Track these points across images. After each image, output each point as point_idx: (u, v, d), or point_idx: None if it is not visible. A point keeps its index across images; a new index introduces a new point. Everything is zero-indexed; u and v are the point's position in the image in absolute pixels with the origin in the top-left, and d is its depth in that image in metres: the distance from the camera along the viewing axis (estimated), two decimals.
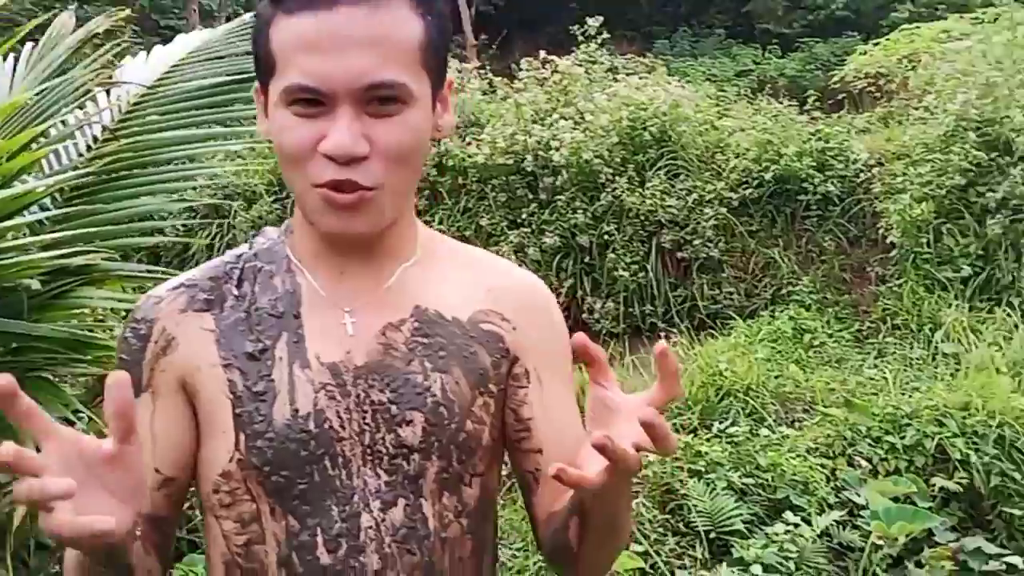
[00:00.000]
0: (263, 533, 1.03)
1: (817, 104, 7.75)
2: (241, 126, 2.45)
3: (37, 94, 1.80)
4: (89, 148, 2.00)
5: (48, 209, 1.84)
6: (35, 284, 1.76)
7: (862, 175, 6.56)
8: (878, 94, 9.21)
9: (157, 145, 2.02)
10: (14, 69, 2.01)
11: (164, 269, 2.25)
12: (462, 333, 1.08)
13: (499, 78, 7.87)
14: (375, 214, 1.01)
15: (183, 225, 6.97)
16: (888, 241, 6.16)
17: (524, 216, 6.87)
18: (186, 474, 1.07)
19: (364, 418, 1.03)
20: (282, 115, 0.99)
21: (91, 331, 1.92)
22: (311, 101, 0.97)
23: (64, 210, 1.86)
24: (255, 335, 1.05)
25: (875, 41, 9.98)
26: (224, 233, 7.19)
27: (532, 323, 1.13)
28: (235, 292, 1.08)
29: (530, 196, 6.93)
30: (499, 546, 1.16)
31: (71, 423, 1.95)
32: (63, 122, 1.93)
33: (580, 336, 0.91)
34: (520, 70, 7.67)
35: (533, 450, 1.10)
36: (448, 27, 1.05)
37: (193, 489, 1.12)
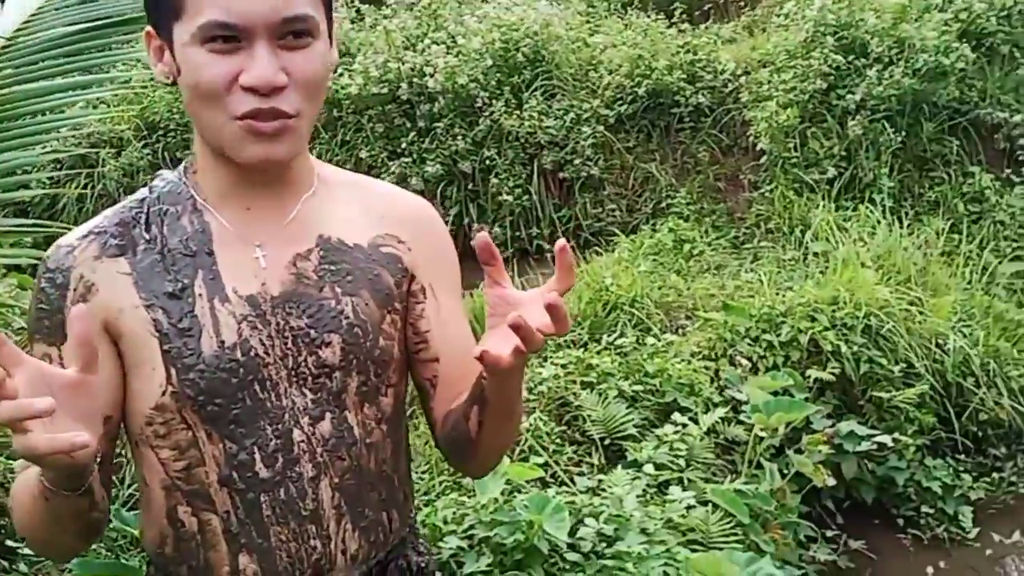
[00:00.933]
0: (202, 456, 1.10)
1: (684, 16, 7.87)
2: (105, 73, 2.39)
3: None
4: None
5: None
6: None
7: (731, 85, 6.72)
8: (742, 3, 9.40)
9: (23, 97, 1.96)
10: None
11: (35, 222, 2.20)
12: (365, 258, 1.16)
13: (367, 5, 7.73)
14: (294, 141, 1.07)
15: (49, 178, 6.70)
16: (758, 148, 6.37)
17: (404, 145, 6.84)
18: (118, 412, 1.13)
19: (286, 343, 1.11)
20: (195, 53, 1.03)
21: None
22: (227, 38, 1.02)
23: None
24: (172, 275, 1.09)
25: None
26: (94, 183, 6.95)
27: (424, 243, 1.21)
28: (145, 236, 1.11)
29: (408, 125, 6.90)
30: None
31: None
32: None
33: (484, 237, 0.99)
34: None
35: (430, 359, 1.21)
36: None
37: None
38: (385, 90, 6.80)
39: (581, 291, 4.69)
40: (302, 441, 1.11)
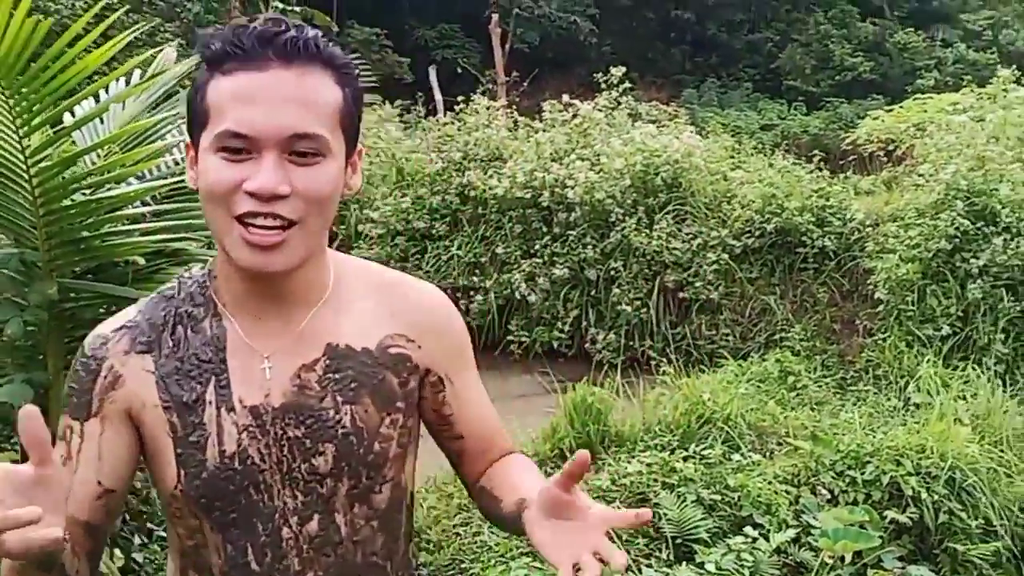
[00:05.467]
0: (206, 541, 1.23)
1: (823, 164, 8.19)
2: None
3: (150, 114, 2.28)
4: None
5: (148, 205, 2.31)
6: (141, 261, 2.22)
7: (857, 233, 6.97)
8: (886, 158, 9.64)
9: None
10: (127, 83, 2.52)
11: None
12: (371, 362, 1.24)
13: (523, 117, 8.36)
14: (290, 252, 1.12)
15: None
16: (876, 297, 6.56)
17: (537, 247, 7.33)
18: (124, 486, 1.23)
19: (282, 451, 1.20)
20: (210, 158, 1.11)
21: None
22: (239, 149, 1.09)
23: (162, 207, 2.33)
24: (189, 383, 1.20)
25: (889, 108, 10.42)
26: None
27: (436, 337, 1.29)
28: (170, 341, 1.22)
29: (544, 229, 7.39)
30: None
31: None
32: (162, 138, 2.40)
33: (584, 456, 1.07)
34: (544, 111, 8.16)
35: (455, 437, 1.35)
36: (362, 100, 1.19)
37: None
38: (528, 195, 7.33)
39: (678, 401, 4.97)
40: (290, 539, 1.21)
